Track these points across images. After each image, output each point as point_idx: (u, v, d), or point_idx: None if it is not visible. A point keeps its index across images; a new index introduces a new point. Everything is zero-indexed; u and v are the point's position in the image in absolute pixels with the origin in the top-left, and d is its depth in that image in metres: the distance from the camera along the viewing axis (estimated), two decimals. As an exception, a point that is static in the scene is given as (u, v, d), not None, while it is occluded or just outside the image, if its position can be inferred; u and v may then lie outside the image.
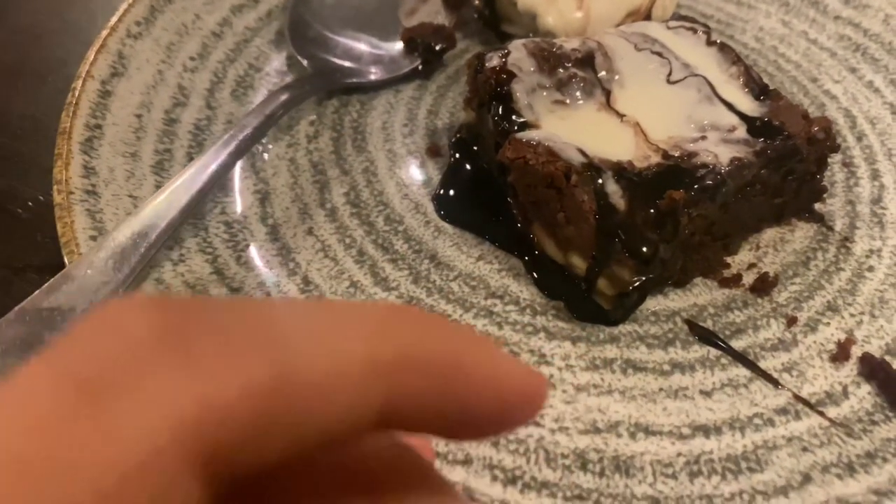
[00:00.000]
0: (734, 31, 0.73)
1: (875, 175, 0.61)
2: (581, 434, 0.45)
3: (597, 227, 0.48)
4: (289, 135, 0.61)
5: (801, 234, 0.56)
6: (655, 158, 0.50)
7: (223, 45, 0.66)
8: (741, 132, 0.52)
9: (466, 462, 0.43)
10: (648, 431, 0.45)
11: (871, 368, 0.48)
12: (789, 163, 0.52)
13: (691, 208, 0.48)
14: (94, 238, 0.48)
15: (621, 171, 0.49)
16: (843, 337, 0.50)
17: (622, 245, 0.47)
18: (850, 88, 0.67)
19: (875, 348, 0.50)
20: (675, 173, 0.49)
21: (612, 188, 0.48)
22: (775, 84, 0.68)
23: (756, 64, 0.70)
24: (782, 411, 0.46)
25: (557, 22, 0.65)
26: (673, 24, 0.60)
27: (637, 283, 0.49)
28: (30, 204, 0.61)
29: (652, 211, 0.47)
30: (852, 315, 0.52)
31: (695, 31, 0.60)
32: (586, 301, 0.51)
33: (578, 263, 0.50)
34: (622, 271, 0.48)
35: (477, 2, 0.70)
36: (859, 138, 0.63)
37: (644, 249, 0.47)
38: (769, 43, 0.72)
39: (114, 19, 0.62)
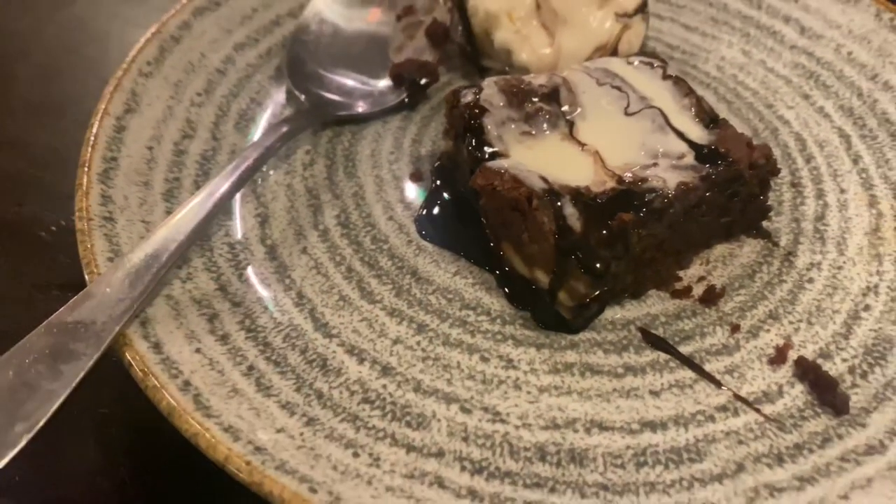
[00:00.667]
0: (697, 61, 0.79)
1: (820, 194, 0.66)
2: (542, 430, 0.50)
3: (556, 246, 0.53)
4: (286, 163, 0.67)
5: (748, 249, 0.62)
6: (611, 183, 0.56)
7: (227, 81, 0.72)
8: (689, 159, 0.58)
9: (439, 454, 0.48)
10: (602, 427, 0.51)
11: (805, 370, 0.54)
12: (733, 186, 0.58)
13: (640, 228, 0.54)
14: (111, 259, 0.54)
15: (578, 196, 0.55)
16: (781, 342, 0.56)
17: (578, 262, 0.53)
18: (802, 114, 0.73)
19: (810, 352, 0.55)
20: (626, 197, 0.55)
21: (570, 211, 0.54)
22: (733, 110, 0.74)
23: (716, 91, 0.76)
24: (723, 409, 0.52)
25: (530, 57, 0.72)
26: (633, 59, 0.67)
27: (593, 296, 0.54)
28: (52, 228, 0.68)
29: (604, 231, 0.53)
30: (791, 323, 0.57)
31: (652, 65, 0.66)
32: (550, 311, 0.57)
33: (542, 278, 0.56)
34: (579, 285, 0.54)
35: (459, 39, 0.77)
36: (808, 160, 0.69)
37: (597, 266, 0.53)
38: (729, 71, 0.78)
39: (127, 60, 0.69)
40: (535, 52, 0.71)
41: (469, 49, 0.76)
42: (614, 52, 0.72)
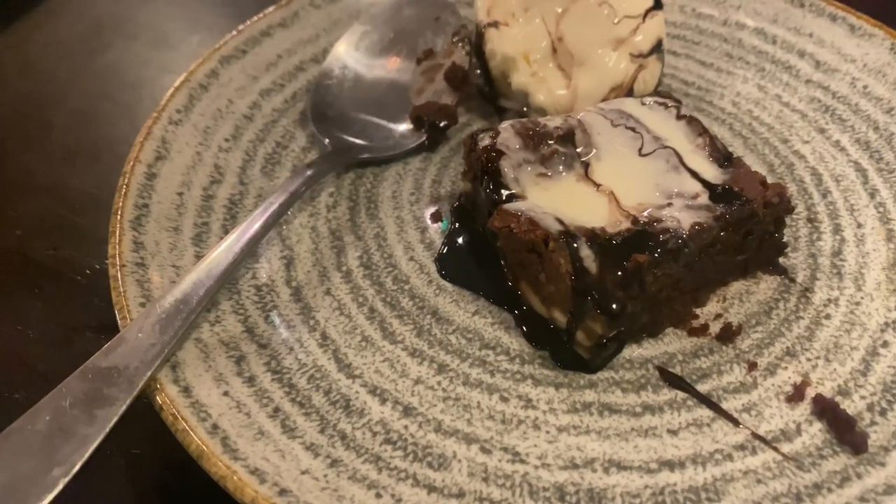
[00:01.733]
0: (713, 97, 0.80)
1: (837, 229, 0.67)
2: (561, 469, 0.51)
3: (572, 288, 0.55)
4: (311, 205, 0.70)
5: (765, 286, 0.63)
6: (626, 224, 0.57)
7: (253, 126, 0.75)
8: (704, 199, 0.59)
9: (460, 495, 0.49)
10: (620, 466, 0.52)
11: (823, 408, 0.54)
12: (748, 225, 0.59)
13: (655, 269, 0.55)
14: (142, 304, 0.57)
15: (594, 237, 0.56)
16: (799, 380, 0.56)
17: (594, 303, 0.54)
18: (817, 148, 0.74)
19: (828, 390, 0.55)
20: (641, 238, 0.56)
21: (586, 252, 0.55)
22: (749, 146, 0.75)
23: (732, 127, 0.77)
24: (740, 447, 0.52)
25: (547, 98, 0.73)
26: (647, 99, 0.68)
27: (610, 336, 0.55)
28: (87, 271, 0.70)
29: (620, 272, 0.54)
30: (809, 360, 0.57)
31: (666, 105, 0.67)
32: (568, 351, 0.58)
33: (559, 317, 0.57)
34: (596, 325, 0.55)
35: (477, 81, 0.79)
36: (824, 195, 0.70)
37: (613, 306, 0.54)
38: (745, 107, 0.79)
39: (158, 108, 0.72)
40: (552, 94, 0.73)
41: (487, 91, 0.78)
42: (630, 92, 0.74)
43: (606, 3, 0.74)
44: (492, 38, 0.75)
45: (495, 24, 0.75)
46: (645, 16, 0.75)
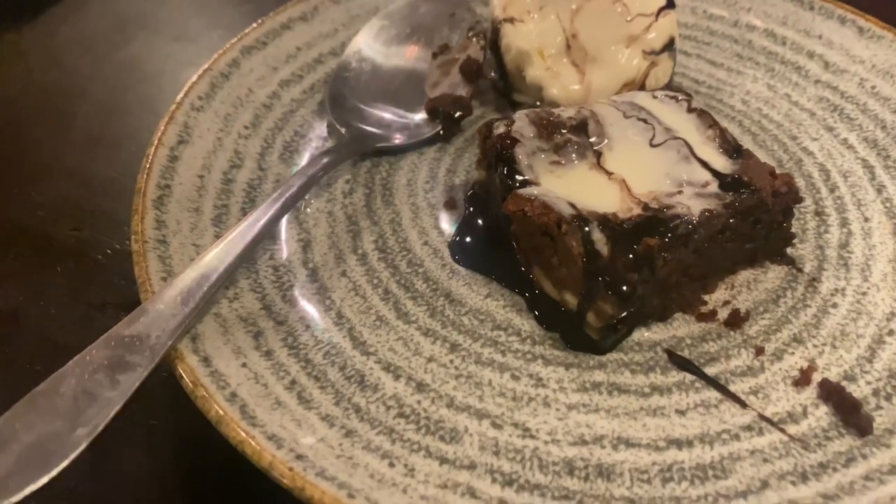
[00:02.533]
0: (723, 95, 0.81)
1: (844, 223, 0.68)
2: (570, 445, 0.52)
3: (584, 270, 0.56)
4: (328, 191, 0.71)
5: (773, 275, 0.64)
6: (637, 210, 0.59)
7: (272, 115, 0.76)
8: (714, 187, 0.61)
9: (471, 467, 0.50)
10: (629, 444, 0.52)
11: (829, 392, 0.55)
12: (756, 213, 0.60)
13: (665, 252, 0.56)
14: (164, 279, 0.58)
15: (605, 222, 0.57)
16: (805, 365, 0.57)
17: (605, 285, 0.55)
18: (826, 145, 0.75)
19: (834, 375, 0.56)
20: (652, 223, 0.57)
21: (597, 236, 0.56)
22: (758, 142, 0.76)
23: (741, 124, 0.78)
24: (747, 428, 0.53)
25: (561, 93, 0.75)
26: (658, 93, 0.69)
27: (620, 317, 0.56)
28: (108, 252, 0.72)
29: (630, 255, 0.55)
30: (815, 346, 0.58)
31: (677, 99, 0.68)
32: (579, 333, 0.59)
33: (570, 300, 0.59)
34: (606, 307, 0.56)
35: (492, 75, 0.80)
36: (832, 190, 0.71)
37: (624, 288, 0.55)
38: (754, 105, 0.80)
39: (180, 95, 0.73)
40: (566, 89, 0.75)
41: (501, 84, 0.80)
42: (642, 88, 0.75)
43: (620, 2, 0.76)
44: (507, 34, 0.77)
45: (511, 20, 0.77)
46: (658, 14, 0.77)
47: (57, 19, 1.02)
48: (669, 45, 0.77)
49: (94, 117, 0.88)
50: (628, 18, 0.76)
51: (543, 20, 0.77)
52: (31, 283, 0.70)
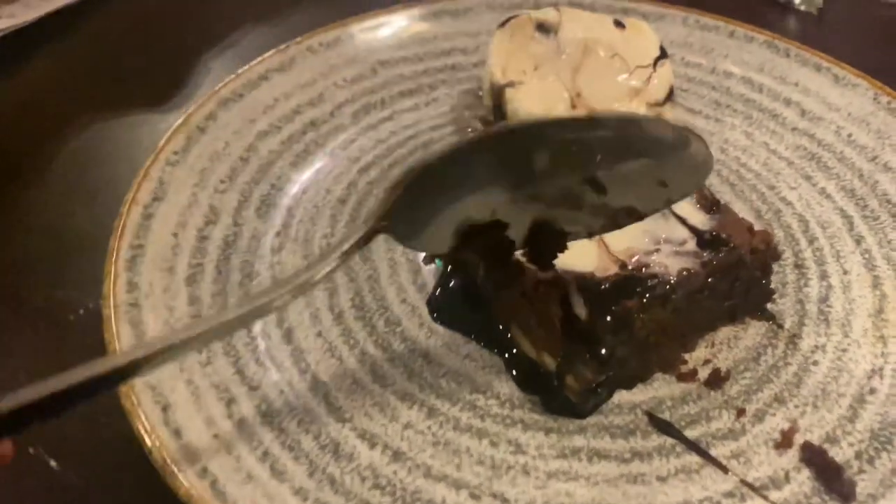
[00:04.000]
0: (701, 144, 0.81)
1: (823, 275, 0.68)
2: (550, 516, 0.51)
3: (562, 332, 0.55)
4: (304, 247, 0.70)
5: (753, 331, 0.63)
6: (614, 269, 0.58)
7: (249, 168, 0.76)
8: (691, 245, 0.60)
9: (448, 541, 0.49)
10: (609, 513, 0.52)
11: (811, 456, 0.54)
12: (735, 271, 0.60)
13: (643, 313, 0.55)
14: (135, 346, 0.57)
15: (584, 283, 0.57)
16: (787, 426, 0.56)
17: (584, 347, 0.55)
18: (804, 195, 0.75)
19: (816, 437, 0.56)
20: (630, 284, 0.57)
21: (576, 298, 0.56)
22: (736, 192, 0.76)
23: (720, 174, 0.78)
24: (729, 495, 0.53)
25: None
26: (636, 146, 0.69)
27: (599, 381, 0.56)
28: (81, 312, 0.70)
29: (609, 317, 0.55)
30: (797, 406, 0.58)
31: (654, 153, 0.68)
32: (558, 395, 0.58)
33: (549, 362, 0.58)
34: (586, 370, 0.55)
35: (490, 117, 0.80)
36: (811, 241, 0.71)
37: (602, 352, 0.54)
38: (733, 154, 0.80)
39: (156, 150, 0.73)
40: None
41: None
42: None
43: (617, 56, 0.77)
44: (512, 98, 0.76)
45: (512, 84, 0.77)
46: (655, 64, 0.77)
47: (31, 68, 1.01)
48: (670, 95, 0.78)
49: (71, 168, 0.86)
50: (628, 72, 0.76)
51: (543, 80, 0.77)
52: (1, 343, 0.68)
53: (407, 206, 0.49)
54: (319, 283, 0.50)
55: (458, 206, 0.51)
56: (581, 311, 0.55)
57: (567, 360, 0.56)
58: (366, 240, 0.50)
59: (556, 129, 0.51)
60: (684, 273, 0.57)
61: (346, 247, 0.49)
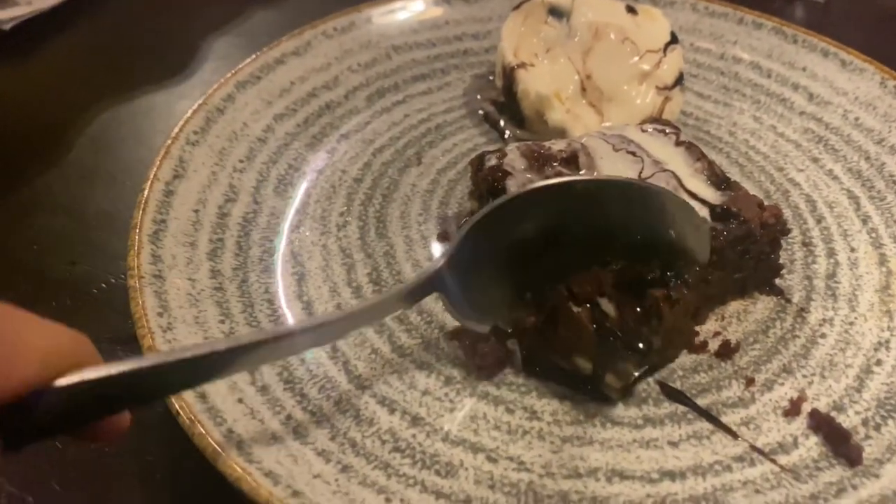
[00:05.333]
0: (710, 127, 0.83)
1: (831, 253, 0.69)
2: (565, 479, 0.53)
3: (596, 334, 0.55)
4: (321, 224, 0.72)
5: (762, 305, 0.65)
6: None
7: (267, 148, 0.77)
8: (703, 216, 0.61)
9: (467, 501, 0.51)
10: (623, 476, 0.53)
11: (819, 422, 0.56)
12: (745, 244, 0.61)
13: (670, 300, 0.56)
14: (160, 314, 0.58)
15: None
16: (795, 395, 0.58)
17: (622, 344, 0.55)
18: (812, 176, 0.76)
19: (823, 405, 0.57)
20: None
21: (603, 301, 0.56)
22: (745, 173, 0.77)
23: (729, 156, 0.79)
24: (739, 459, 0.54)
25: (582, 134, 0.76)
26: (647, 126, 0.71)
27: (640, 373, 0.57)
28: (103, 286, 0.72)
29: (639, 309, 0.55)
30: (805, 376, 0.59)
31: (665, 132, 0.70)
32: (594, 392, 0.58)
33: (583, 364, 0.57)
34: (626, 365, 0.56)
35: (484, 106, 0.82)
36: (818, 221, 0.72)
37: (641, 346, 0.55)
38: (741, 137, 0.82)
39: (175, 129, 0.74)
40: (588, 129, 0.75)
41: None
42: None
43: (628, 40, 0.78)
44: (523, 79, 0.78)
45: (523, 66, 0.79)
46: (665, 49, 0.79)
47: (49, 53, 1.02)
48: (680, 79, 0.79)
49: (89, 151, 0.88)
50: (638, 56, 0.78)
51: (554, 63, 0.78)
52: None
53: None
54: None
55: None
56: (609, 308, 0.56)
57: (603, 360, 0.56)
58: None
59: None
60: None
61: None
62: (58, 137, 0.90)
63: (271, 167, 0.76)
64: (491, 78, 0.88)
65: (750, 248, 0.62)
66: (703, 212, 0.61)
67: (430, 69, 0.90)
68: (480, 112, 0.85)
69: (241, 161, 0.75)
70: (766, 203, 0.65)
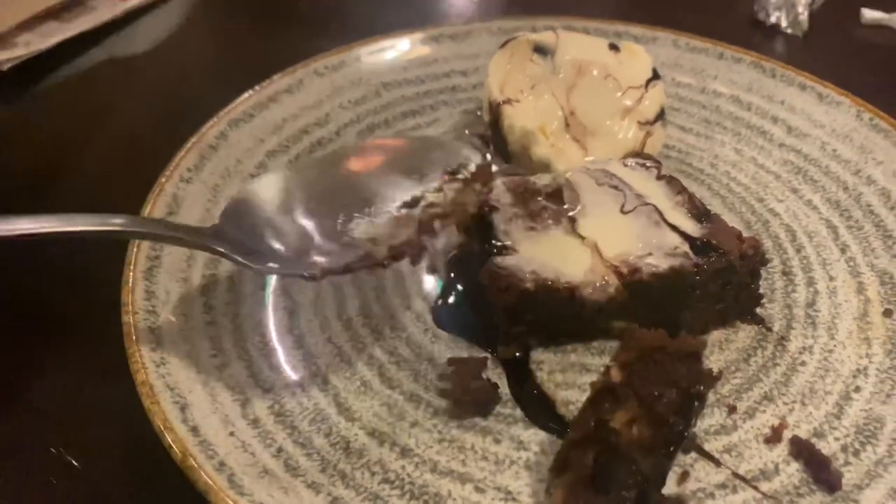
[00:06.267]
0: (692, 160, 0.85)
1: (810, 282, 0.71)
2: (551, 507, 0.54)
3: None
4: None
5: (743, 334, 0.66)
6: (608, 275, 0.61)
7: (259, 184, 0.79)
8: (683, 249, 0.63)
9: (454, 531, 0.52)
10: (608, 505, 0.54)
11: (799, 449, 0.57)
12: (725, 275, 0.63)
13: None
14: (153, 349, 0.60)
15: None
16: (776, 422, 0.59)
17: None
18: (791, 207, 0.78)
19: (804, 432, 0.58)
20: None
21: None
22: (727, 204, 0.79)
23: (710, 187, 0.81)
24: (722, 486, 0.55)
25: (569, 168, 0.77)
26: (629, 161, 0.73)
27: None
28: (100, 320, 0.73)
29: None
30: (785, 404, 0.61)
31: (647, 166, 0.72)
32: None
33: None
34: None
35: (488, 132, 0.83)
36: (798, 250, 0.74)
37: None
38: (723, 168, 0.84)
39: (170, 167, 0.76)
40: (572, 164, 0.77)
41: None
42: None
43: (611, 77, 0.80)
44: (509, 115, 0.80)
45: (509, 101, 0.81)
46: (647, 85, 0.81)
47: (46, 93, 1.05)
48: (661, 114, 0.81)
49: (85, 185, 0.90)
50: (620, 92, 0.80)
51: (539, 99, 0.81)
52: (20, 353, 0.71)
53: None
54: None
55: None
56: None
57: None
58: None
59: None
60: (674, 268, 0.61)
61: None
62: (54, 174, 0.91)
63: (264, 203, 0.77)
64: (479, 113, 0.90)
65: (730, 280, 0.63)
66: (683, 246, 0.63)
67: (419, 105, 0.92)
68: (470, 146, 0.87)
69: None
70: (745, 234, 0.67)
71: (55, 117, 1.02)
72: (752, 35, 1.12)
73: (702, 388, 0.53)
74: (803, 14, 1.10)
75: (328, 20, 1.16)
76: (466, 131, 0.89)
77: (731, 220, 0.76)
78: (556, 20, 0.97)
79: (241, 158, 0.80)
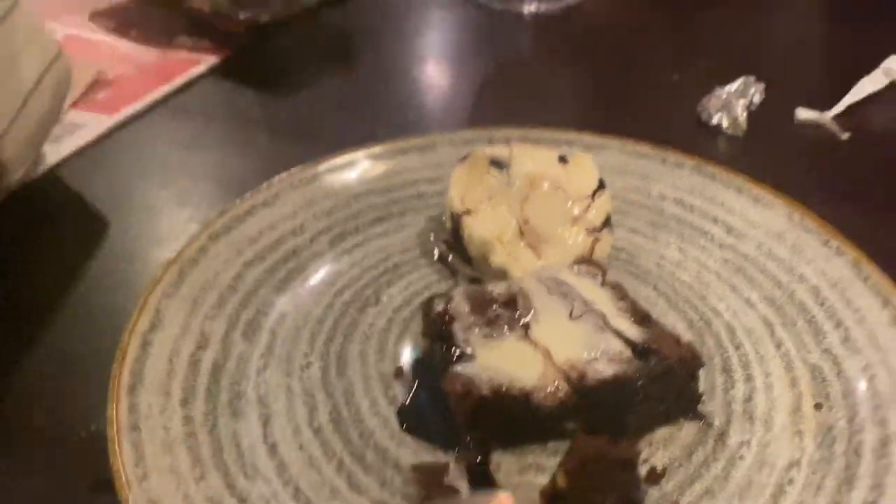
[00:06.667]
0: (640, 261, 0.92)
1: (748, 378, 0.76)
2: None
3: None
4: (286, 365, 0.78)
5: (686, 431, 0.71)
6: (560, 382, 0.67)
7: (237, 295, 0.84)
8: (627, 355, 0.69)
9: None
10: None
11: (737, 543, 0.61)
12: (665, 379, 0.69)
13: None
14: (136, 464, 0.64)
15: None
16: (717, 517, 0.64)
17: None
18: (731, 305, 0.85)
19: (742, 526, 0.63)
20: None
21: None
22: (671, 304, 0.86)
23: (656, 287, 0.88)
24: (667, 581, 0.59)
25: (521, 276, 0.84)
26: (577, 268, 0.79)
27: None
28: (82, 434, 0.77)
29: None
30: (725, 498, 0.65)
31: (593, 274, 0.78)
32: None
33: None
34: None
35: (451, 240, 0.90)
36: (737, 347, 0.80)
37: None
38: (668, 269, 0.90)
39: (153, 282, 0.81)
40: (527, 270, 0.84)
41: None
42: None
43: (560, 189, 0.88)
44: (468, 225, 0.87)
45: (469, 212, 0.88)
46: (594, 195, 0.88)
47: (27, 202, 1.10)
48: (607, 221, 0.88)
49: (70, 290, 0.94)
50: (569, 202, 0.87)
51: (496, 209, 0.88)
52: (7, 467, 0.74)
53: None
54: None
55: None
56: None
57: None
58: None
59: None
60: (618, 378, 0.66)
61: None
62: (33, 282, 0.96)
63: (241, 312, 0.83)
64: (444, 219, 0.97)
65: (671, 382, 0.69)
66: (626, 352, 0.69)
67: (387, 212, 0.99)
68: (435, 251, 0.93)
69: (212, 309, 0.82)
70: (689, 334, 0.73)
71: (37, 217, 1.07)
72: (697, 135, 1.21)
73: (640, 493, 0.58)
74: (742, 115, 1.19)
75: (302, 132, 1.24)
76: (432, 237, 0.96)
77: (676, 319, 0.82)
78: (514, 130, 1.05)
79: (219, 271, 0.86)
